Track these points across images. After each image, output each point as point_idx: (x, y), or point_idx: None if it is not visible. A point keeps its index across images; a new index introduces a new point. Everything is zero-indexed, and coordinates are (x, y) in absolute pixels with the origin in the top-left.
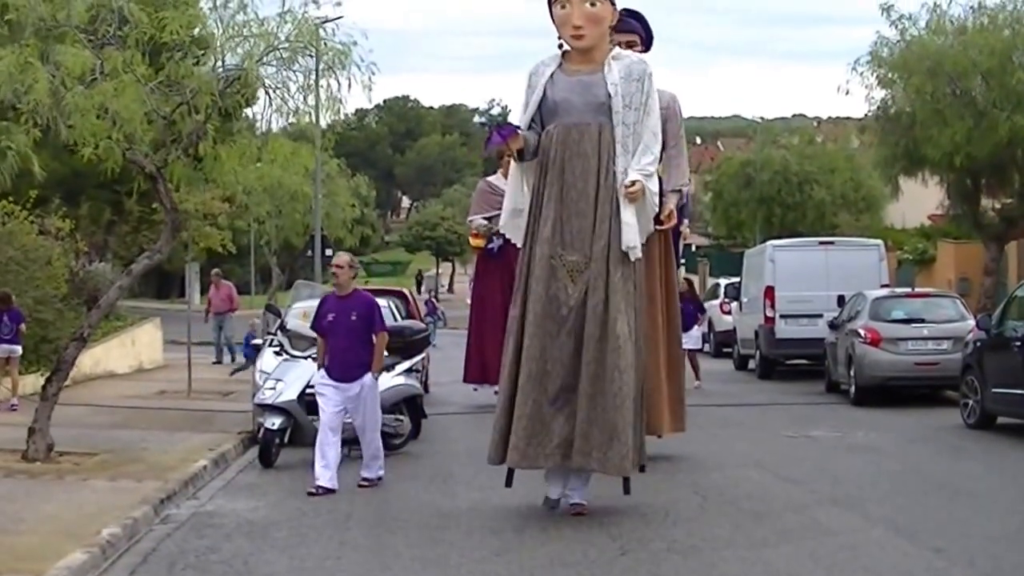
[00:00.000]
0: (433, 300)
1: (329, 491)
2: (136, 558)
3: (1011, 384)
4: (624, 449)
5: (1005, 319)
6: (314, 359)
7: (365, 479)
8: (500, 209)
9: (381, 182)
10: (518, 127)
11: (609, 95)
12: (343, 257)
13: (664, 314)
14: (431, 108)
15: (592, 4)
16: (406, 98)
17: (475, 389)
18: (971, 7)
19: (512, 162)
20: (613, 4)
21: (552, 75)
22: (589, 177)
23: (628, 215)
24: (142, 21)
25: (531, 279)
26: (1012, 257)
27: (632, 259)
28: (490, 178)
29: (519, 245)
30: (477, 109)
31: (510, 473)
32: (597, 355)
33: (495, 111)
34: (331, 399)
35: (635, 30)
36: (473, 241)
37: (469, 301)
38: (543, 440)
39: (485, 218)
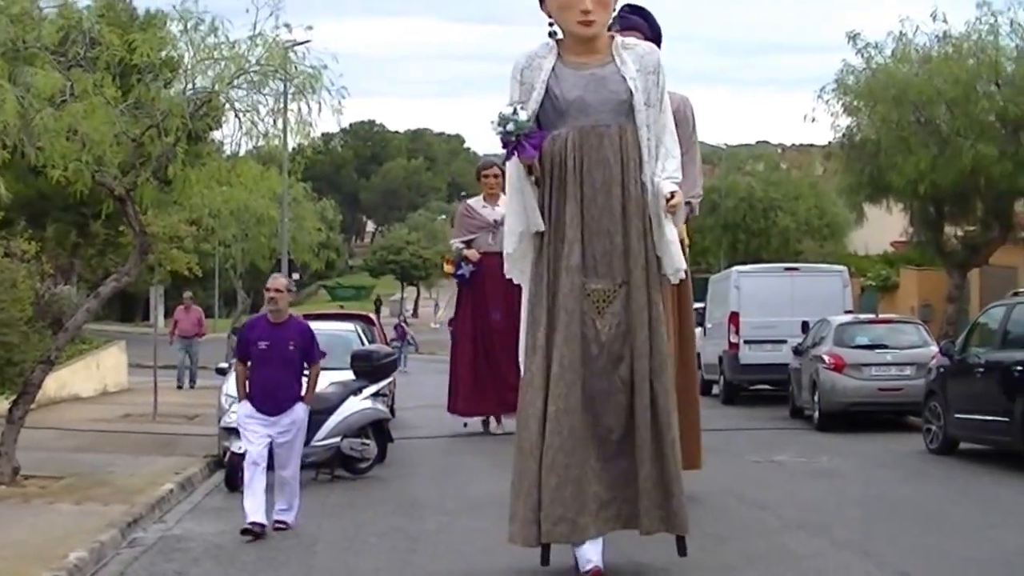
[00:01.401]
0: (403, 324)
1: (263, 527)
2: None
3: (974, 410)
4: (681, 500)
5: (968, 345)
6: None
7: (281, 522)
8: (477, 233)
9: (346, 206)
10: (545, 133)
11: (630, 91)
12: (281, 280)
13: (680, 335)
14: (396, 132)
15: None
16: (372, 122)
17: (465, 425)
18: (936, 36)
19: (513, 177)
20: None
21: (553, 69)
22: (613, 188)
23: (671, 231)
24: (112, 43)
25: (558, 317)
26: (974, 284)
27: (675, 281)
28: (470, 201)
29: (513, 275)
30: (442, 134)
31: (547, 549)
32: (649, 398)
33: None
34: (258, 433)
35: (638, 27)
36: (445, 267)
37: (451, 329)
38: (593, 506)
39: (463, 242)
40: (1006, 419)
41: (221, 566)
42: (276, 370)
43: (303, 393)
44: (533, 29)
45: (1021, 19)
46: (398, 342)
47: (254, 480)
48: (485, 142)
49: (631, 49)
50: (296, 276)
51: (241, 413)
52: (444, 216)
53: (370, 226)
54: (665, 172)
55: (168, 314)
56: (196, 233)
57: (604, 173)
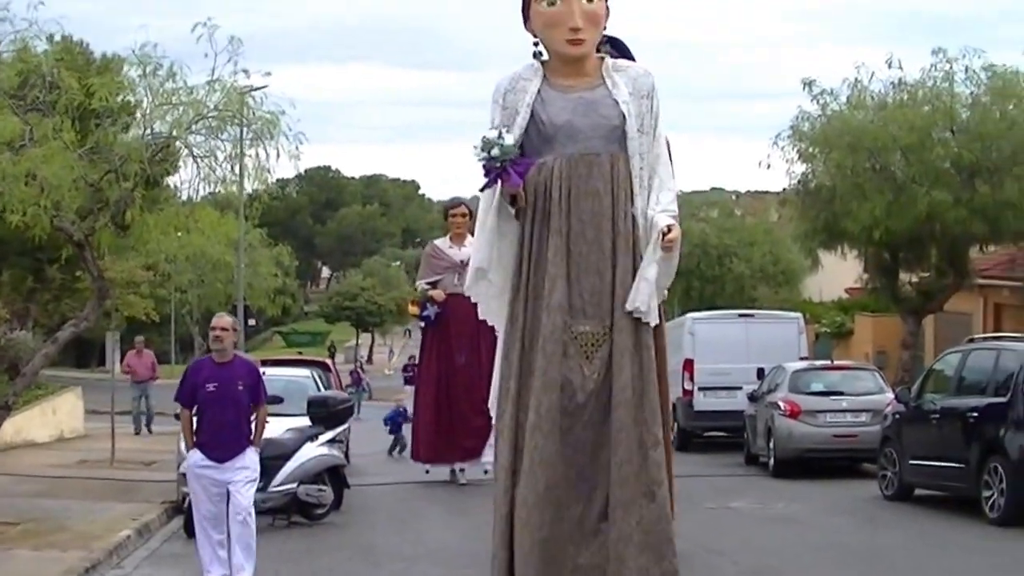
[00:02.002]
0: (359, 371)
1: None
2: None
3: (929, 456)
4: (675, 565)
5: (923, 392)
6: None
7: None
8: (443, 274)
9: (301, 252)
10: (532, 160)
11: (623, 116)
12: (226, 318)
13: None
14: (352, 178)
15: (589, 0)
16: (327, 168)
17: (427, 472)
18: (891, 83)
19: (487, 208)
20: (607, 1)
21: (539, 92)
22: (602, 222)
23: (650, 270)
24: (71, 87)
25: (535, 360)
26: (929, 331)
27: (650, 324)
28: (437, 241)
29: (488, 316)
30: (397, 179)
31: None
32: (635, 453)
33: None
34: (211, 484)
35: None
36: (410, 309)
37: (406, 375)
38: (568, 570)
39: (429, 283)
40: (961, 465)
41: None
42: (226, 412)
43: (252, 437)
44: (486, 74)
45: (975, 66)
46: (354, 388)
47: (209, 533)
48: (440, 188)
49: (623, 71)
50: (252, 322)
51: (191, 462)
52: (399, 262)
53: (325, 272)
54: (660, 205)
55: (126, 359)
56: (153, 278)
57: (593, 205)
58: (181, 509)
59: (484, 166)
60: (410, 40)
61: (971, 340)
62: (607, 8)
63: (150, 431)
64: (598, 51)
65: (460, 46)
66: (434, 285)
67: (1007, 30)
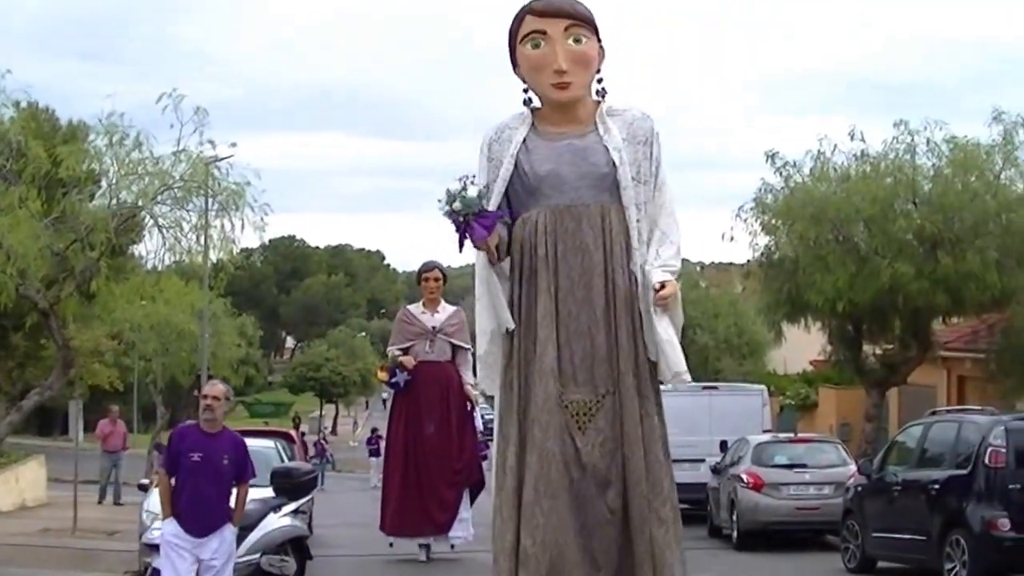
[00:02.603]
0: (323, 442)
1: None
2: None
3: (891, 528)
4: None
5: (885, 464)
6: None
7: None
8: (414, 340)
9: (266, 321)
10: (501, 212)
11: (613, 164)
12: (219, 387)
13: None
14: (317, 248)
15: (577, 41)
16: (292, 237)
17: (391, 545)
18: (854, 155)
19: (479, 267)
20: (600, 42)
21: (524, 141)
22: (593, 279)
23: (666, 330)
24: (39, 156)
25: (530, 432)
26: (893, 403)
27: (670, 386)
28: (410, 307)
29: (490, 388)
30: (363, 249)
31: None
32: (648, 534)
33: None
34: (185, 559)
35: None
36: (379, 375)
37: (384, 446)
38: None
39: (400, 349)
40: (923, 537)
41: None
42: (208, 485)
43: (231, 514)
44: (451, 144)
45: (937, 138)
46: (317, 459)
47: None
48: (405, 258)
49: (618, 115)
50: None
51: (166, 532)
52: (364, 333)
53: (290, 342)
54: (659, 260)
55: (89, 428)
56: (117, 347)
57: (583, 261)
58: None
59: (449, 219)
60: (376, 111)
61: (933, 412)
62: (600, 49)
63: (117, 501)
64: (599, 95)
65: (425, 117)
66: (405, 352)
67: (969, 100)
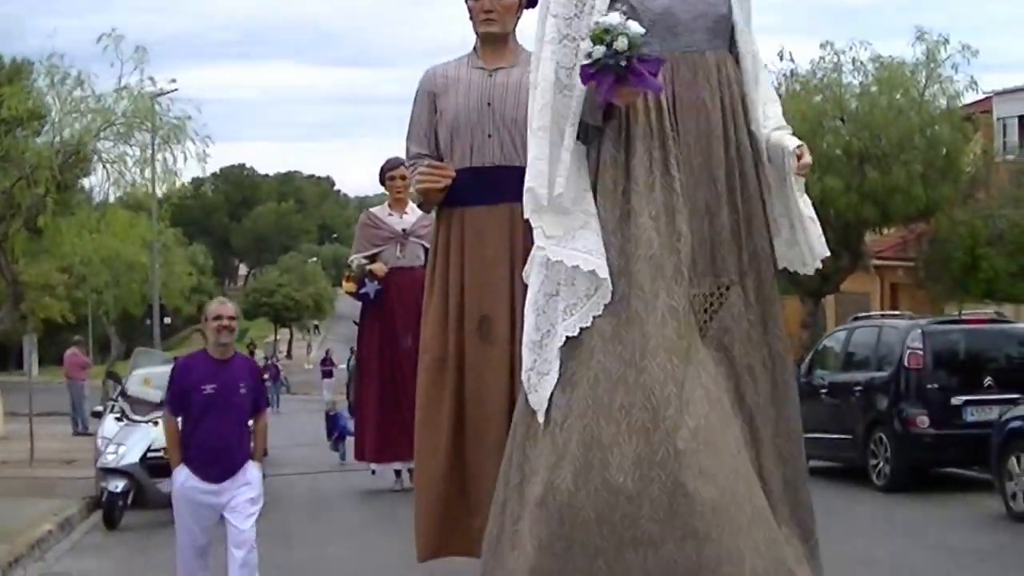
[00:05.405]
0: (276, 365)
1: None
2: None
3: (820, 429)
4: None
5: (813, 368)
6: (155, 423)
7: None
8: (383, 245)
9: (218, 250)
10: (661, 56)
11: (729, 3)
12: (230, 306)
13: None
14: (266, 176)
15: None
16: (242, 166)
17: (373, 472)
18: (784, 75)
19: (551, 122)
20: None
21: None
22: (712, 144)
23: (808, 204)
24: None
25: (629, 337)
26: (831, 310)
27: (810, 272)
28: (373, 209)
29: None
30: (312, 176)
31: None
32: (781, 493)
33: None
34: (203, 509)
35: None
36: (345, 286)
37: (356, 363)
38: None
39: (366, 257)
40: (849, 436)
41: None
42: (225, 421)
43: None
44: (394, 72)
45: (863, 58)
46: (271, 382)
47: (192, 568)
48: (355, 183)
49: None
50: (167, 320)
51: (177, 483)
52: (315, 259)
53: (243, 269)
54: (771, 120)
55: (43, 362)
56: (68, 281)
57: (699, 122)
58: (101, 503)
59: (599, 66)
60: (318, 38)
61: (856, 318)
62: None
63: (86, 429)
64: None
65: (366, 44)
66: (373, 259)
67: (891, 20)
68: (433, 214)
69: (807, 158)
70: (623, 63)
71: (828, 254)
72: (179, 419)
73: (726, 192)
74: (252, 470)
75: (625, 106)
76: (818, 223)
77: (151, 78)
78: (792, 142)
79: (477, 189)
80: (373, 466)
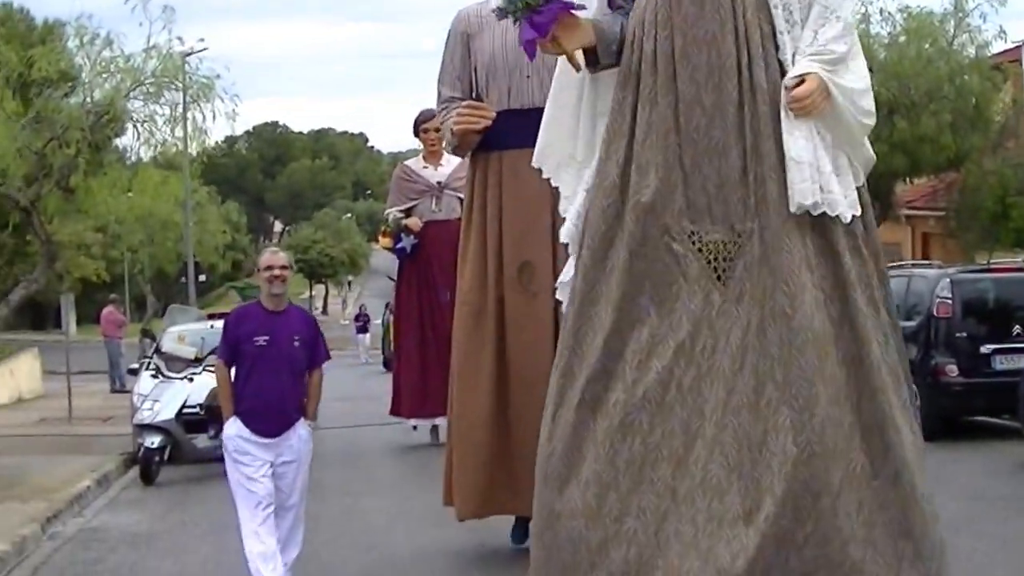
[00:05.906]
0: None
1: None
2: (26, 571)
3: None
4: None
5: None
6: (190, 379)
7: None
8: (418, 199)
9: (252, 208)
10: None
11: None
12: (282, 255)
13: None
14: (300, 133)
15: None
16: (275, 123)
17: (415, 428)
18: None
19: (564, 71)
20: None
21: None
22: (724, 80)
23: (798, 144)
24: (11, 59)
25: (638, 290)
26: None
27: (840, 218)
28: (408, 162)
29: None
30: (345, 132)
31: None
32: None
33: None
34: (257, 461)
35: None
36: (382, 241)
37: (393, 318)
38: None
39: (401, 211)
40: None
41: (138, 551)
42: (278, 374)
43: (305, 409)
44: (424, 26)
45: (891, 7)
46: None
47: (265, 524)
48: (388, 139)
49: None
50: (202, 277)
51: (229, 436)
52: (350, 215)
53: (277, 226)
54: (815, 44)
55: (81, 321)
56: (103, 240)
57: (710, 56)
58: (137, 459)
59: (497, 16)
60: None
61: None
62: None
63: (123, 386)
64: None
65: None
66: (408, 213)
67: None
68: (467, 162)
69: (801, 90)
70: (518, 12)
71: (807, 203)
72: (231, 369)
73: (735, 130)
74: (302, 428)
75: (611, 53)
76: (805, 167)
77: (179, 38)
78: (797, 71)
79: (516, 131)
80: (413, 421)
